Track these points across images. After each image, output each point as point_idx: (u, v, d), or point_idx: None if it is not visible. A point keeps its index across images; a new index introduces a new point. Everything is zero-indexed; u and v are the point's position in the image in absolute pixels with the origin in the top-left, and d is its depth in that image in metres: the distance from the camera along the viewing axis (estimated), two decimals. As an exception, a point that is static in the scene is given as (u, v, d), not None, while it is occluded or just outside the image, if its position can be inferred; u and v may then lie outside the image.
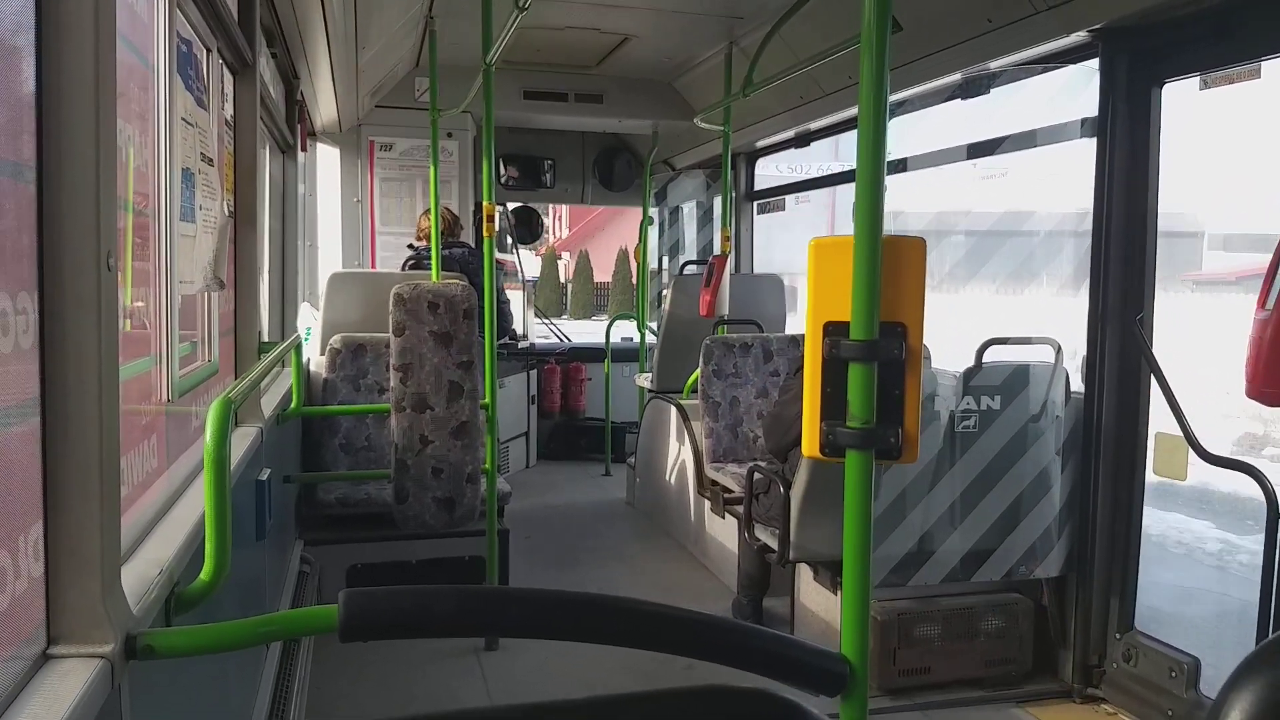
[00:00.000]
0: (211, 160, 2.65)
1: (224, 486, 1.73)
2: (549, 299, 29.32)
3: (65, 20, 1.22)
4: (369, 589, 1.27)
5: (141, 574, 1.53)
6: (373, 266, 6.95)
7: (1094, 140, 3.60)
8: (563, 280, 30.86)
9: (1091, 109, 3.60)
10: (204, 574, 1.69)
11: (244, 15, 3.06)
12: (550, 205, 29.71)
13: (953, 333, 3.83)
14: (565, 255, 32.02)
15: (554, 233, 34.96)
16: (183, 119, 2.24)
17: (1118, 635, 3.60)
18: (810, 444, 1.49)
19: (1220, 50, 3.18)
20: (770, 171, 7.88)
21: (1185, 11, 3.19)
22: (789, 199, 7.18)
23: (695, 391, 5.56)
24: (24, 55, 1.20)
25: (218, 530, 1.70)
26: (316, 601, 4.14)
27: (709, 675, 1.28)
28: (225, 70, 3.00)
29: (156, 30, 2.06)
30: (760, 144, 6.97)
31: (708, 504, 5.29)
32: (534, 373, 8.07)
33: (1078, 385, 3.74)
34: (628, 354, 8.19)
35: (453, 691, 3.78)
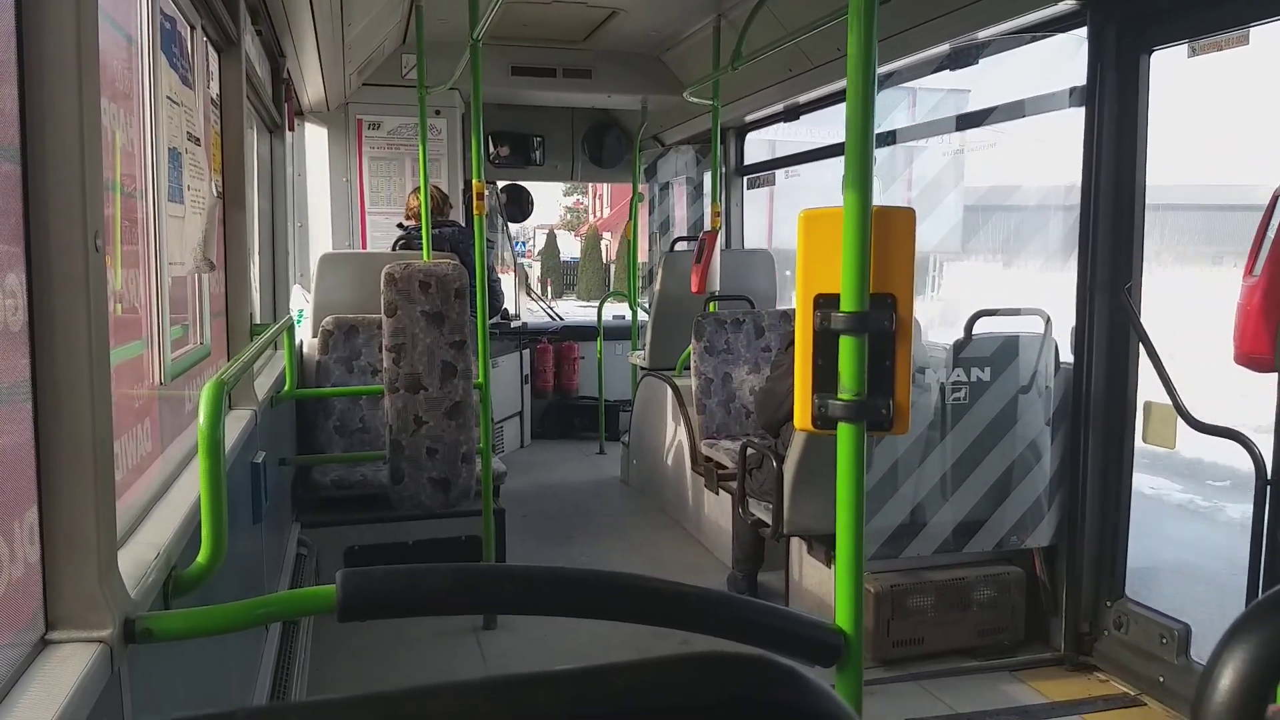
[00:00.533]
0: (198, 140, 2.63)
1: (219, 469, 1.73)
2: (592, 281, 28.63)
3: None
4: (366, 569, 1.27)
5: (139, 558, 1.53)
6: (363, 247, 6.91)
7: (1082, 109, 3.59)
8: (605, 261, 30.28)
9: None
10: (201, 557, 1.69)
11: (227, -8, 3.03)
12: (590, 185, 29.11)
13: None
14: (607, 235, 31.56)
15: (594, 212, 34.53)
16: (168, 98, 2.22)
17: (1108, 603, 3.64)
18: (802, 417, 1.50)
19: (1208, 17, 3.17)
20: (819, 136, 7.49)
21: (1174, -22, 3.18)
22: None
23: (688, 368, 5.57)
24: (3, 35, 1.18)
25: (214, 513, 1.70)
26: (314, 583, 4.15)
27: (705, 647, 1.29)
28: (210, 48, 2.97)
29: (139, 6, 2.04)
30: (749, 118, 6.93)
31: (702, 480, 5.31)
32: (527, 352, 8.07)
33: (1066, 356, 3.75)
34: (620, 332, 8.19)
35: (452, 670, 3.80)
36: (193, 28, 2.64)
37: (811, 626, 1.41)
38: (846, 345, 1.42)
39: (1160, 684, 3.37)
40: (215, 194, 2.96)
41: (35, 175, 1.21)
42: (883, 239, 1.42)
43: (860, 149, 1.41)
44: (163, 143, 2.14)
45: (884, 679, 3.62)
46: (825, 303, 1.44)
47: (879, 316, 1.42)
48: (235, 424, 2.71)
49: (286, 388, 4.07)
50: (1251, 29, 3.09)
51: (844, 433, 1.44)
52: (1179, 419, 3.28)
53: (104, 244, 1.31)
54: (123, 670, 1.31)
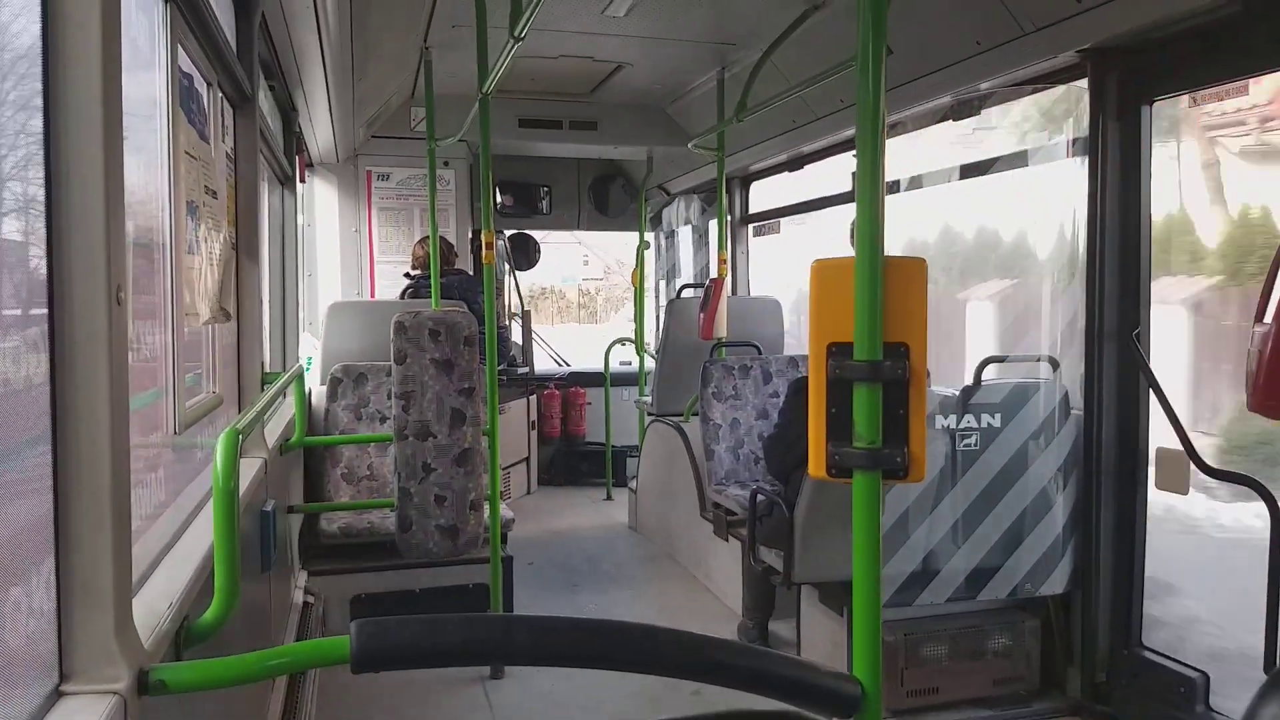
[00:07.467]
0: (215, 193, 2.67)
1: (233, 519, 1.73)
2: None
3: (72, 58, 1.24)
4: (381, 619, 1.27)
5: (151, 608, 1.52)
6: (371, 296, 6.97)
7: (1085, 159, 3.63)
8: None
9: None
10: (213, 607, 1.69)
11: (243, 49, 3.09)
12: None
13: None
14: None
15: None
16: (187, 153, 2.26)
17: (1124, 651, 3.59)
18: (816, 465, 1.49)
19: (1207, 69, 3.22)
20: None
21: (1171, 31, 3.23)
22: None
23: (696, 414, 5.56)
24: (30, 92, 1.21)
25: (227, 564, 1.70)
26: (321, 632, 4.12)
27: (716, 698, 1.28)
28: (225, 104, 3.03)
29: (160, 65, 2.09)
30: (754, 168, 7.02)
31: (711, 527, 5.27)
32: (534, 398, 8.08)
33: (1076, 402, 3.74)
34: (627, 378, 8.20)
35: (459, 721, 3.76)
36: (209, 85, 2.69)
37: (828, 677, 1.40)
38: (861, 394, 1.42)
39: None
40: (230, 245, 3.00)
41: (59, 229, 1.23)
42: (895, 288, 1.43)
43: (870, 198, 1.42)
44: (180, 196, 2.17)
45: (898, 731, 3.56)
46: (838, 351, 1.45)
47: (893, 365, 1.42)
48: (246, 472, 2.71)
49: (295, 436, 4.08)
50: (1249, 80, 3.13)
51: (859, 481, 1.44)
52: (1191, 465, 3.25)
53: (126, 297, 1.33)
54: (135, 723, 1.30)
